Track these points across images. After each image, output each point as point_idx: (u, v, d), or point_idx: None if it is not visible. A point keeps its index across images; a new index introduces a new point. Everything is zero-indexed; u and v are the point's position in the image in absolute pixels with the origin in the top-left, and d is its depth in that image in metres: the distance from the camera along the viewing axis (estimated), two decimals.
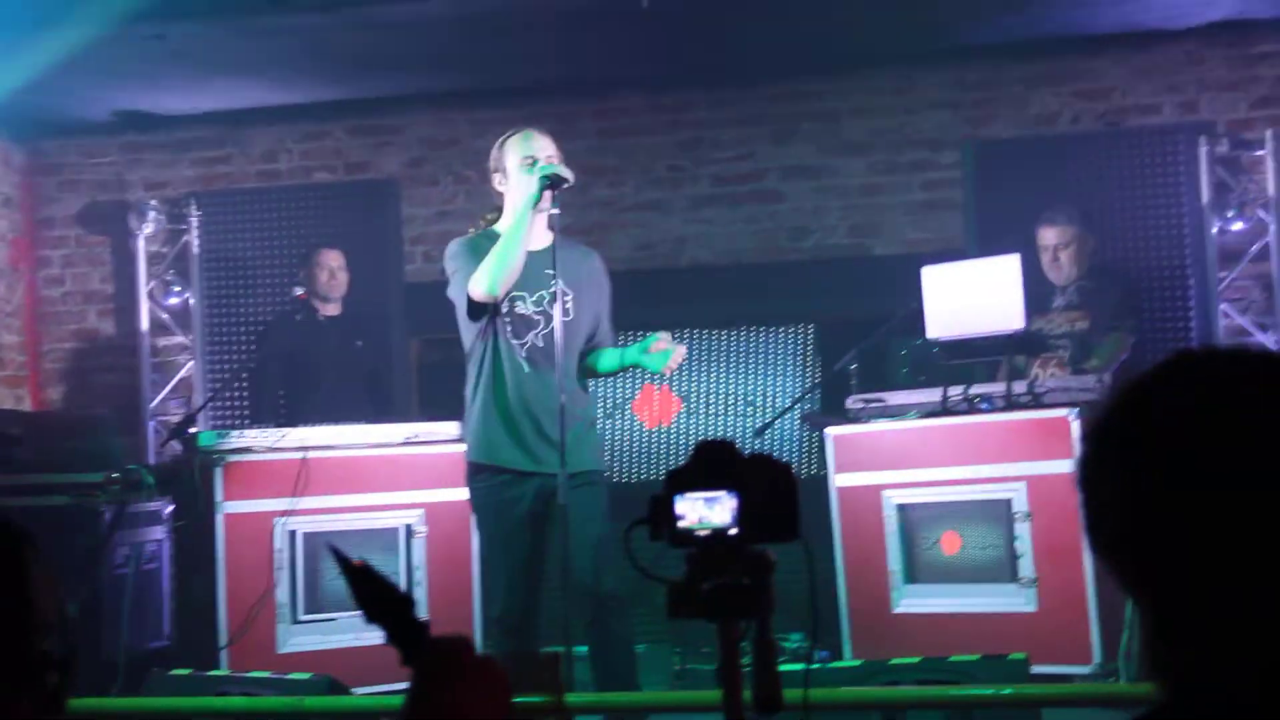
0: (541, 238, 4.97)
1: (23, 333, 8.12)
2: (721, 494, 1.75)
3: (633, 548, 1.85)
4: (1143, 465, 1.25)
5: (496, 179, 4.98)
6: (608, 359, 5.03)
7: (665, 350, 4.78)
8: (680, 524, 1.77)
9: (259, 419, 6.02)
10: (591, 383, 5.23)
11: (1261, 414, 1.24)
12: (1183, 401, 1.26)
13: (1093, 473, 1.31)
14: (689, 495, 1.76)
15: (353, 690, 5.52)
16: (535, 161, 4.89)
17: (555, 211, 4.84)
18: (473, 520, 5.16)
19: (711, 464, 1.77)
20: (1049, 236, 6.36)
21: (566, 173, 4.81)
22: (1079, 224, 6.37)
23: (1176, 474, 1.23)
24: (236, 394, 7.61)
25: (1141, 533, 1.25)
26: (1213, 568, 1.21)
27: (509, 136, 5.01)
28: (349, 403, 6.70)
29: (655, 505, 1.79)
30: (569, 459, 4.78)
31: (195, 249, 7.95)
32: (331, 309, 7.11)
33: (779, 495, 1.76)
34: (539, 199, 4.77)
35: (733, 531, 1.75)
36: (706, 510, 1.76)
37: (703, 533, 1.76)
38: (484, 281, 4.78)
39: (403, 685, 4.77)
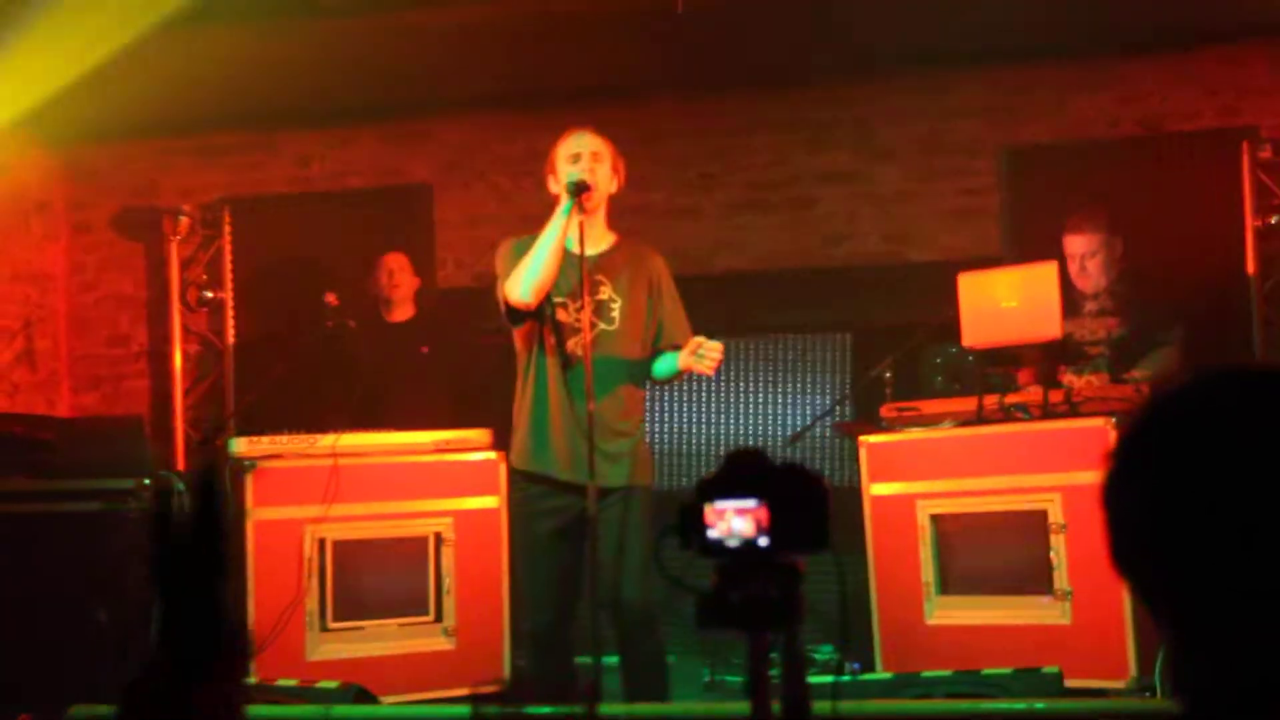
0: (598, 241, 4.93)
1: (56, 338, 8.13)
2: (752, 503, 1.71)
3: (663, 557, 1.81)
4: (1171, 478, 1.26)
5: (550, 180, 4.95)
6: (661, 365, 4.94)
7: (700, 353, 4.70)
8: (710, 533, 1.73)
9: (315, 426, 5.99)
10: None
11: None
12: (1212, 417, 1.27)
13: (1120, 484, 1.32)
14: (718, 504, 1.73)
15: (381, 700, 5.52)
16: (578, 159, 4.87)
17: (581, 218, 4.78)
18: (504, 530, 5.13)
19: (742, 473, 1.74)
20: (1076, 245, 6.26)
21: (591, 178, 4.77)
22: (1106, 230, 6.27)
23: (1202, 488, 1.24)
24: (273, 400, 7.56)
25: (1165, 545, 1.26)
26: (1234, 583, 1.22)
27: (562, 137, 4.98)
28: (415, 407, 6.62)
29: (684, 514, 1.75)
30: (611, 471, 4.74)
31: (228, 255, 7.95)
32: (399, 314, 7.07)
33: (810, 505, 1.72)
34: (569, 207, 4.74)
35: (762, 542, 1.71)
36: (736, 520, 1.72)
37: (732, 543, 1.72)
38: (515, 287, 4.75)
39: (430, 694, 4.76)
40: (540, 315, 4.81)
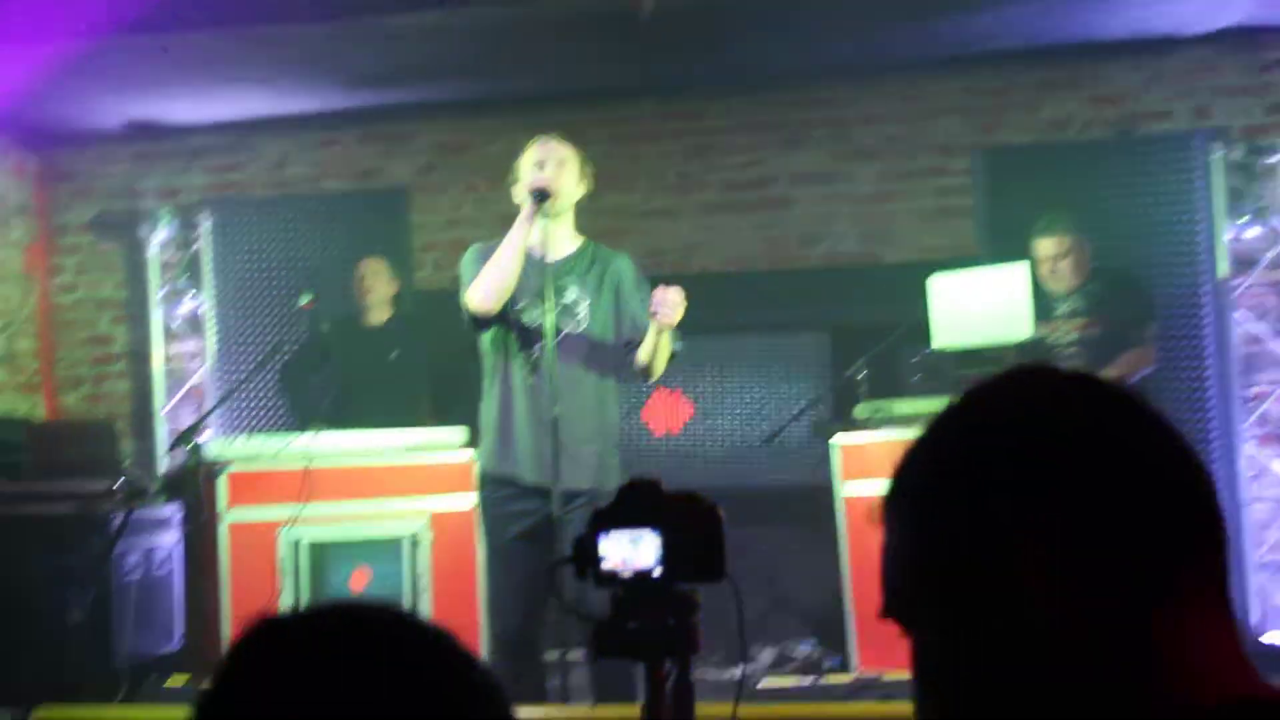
0: (564, 245, 4.93)
1: (37, 339, 8.14)
2: (645, 533, 1.72)
3: (560, 585, 1.83)
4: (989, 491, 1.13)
5: (515, 189, 4.94)
6: (641, 351, 4.88)
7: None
8: (604, 564, 1.74)
9: (292, 428, 6.01)
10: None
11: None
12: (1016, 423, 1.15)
13: (893, 500, 1.20)
14: (613, 534, 1.74)
15: None
16: (542, 165, 4.88)
17: (541, 223, 4.78)
18: (478, 530, 5.14)
19: (636, 502, 1.75)
20: (1047, 247, 6.29)
21: (554, 185, 4.78)
22: (1075, 231, 6.31)
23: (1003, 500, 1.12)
24: (249, 402, 7.59)
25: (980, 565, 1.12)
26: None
27: (529, 144, 4.98)
28: (390, 410, 6.63)
29: (579, 545, 1.76)
30: (578, 474, 4.74)
31: (206, 256, 7.96)
32: (375, 317, 7.10)
33: (705, 535, 1.73)
34: (531, 214, 4.75)
35: (656, 572, 1.72)
36: (630, 550, 1.73)
37: (626, 573, 1.73)
38: (476, 295, 4.77)
39: None
40: (505, 320, 4.82)
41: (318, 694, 1.13)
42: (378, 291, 7.08)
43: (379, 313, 7.11)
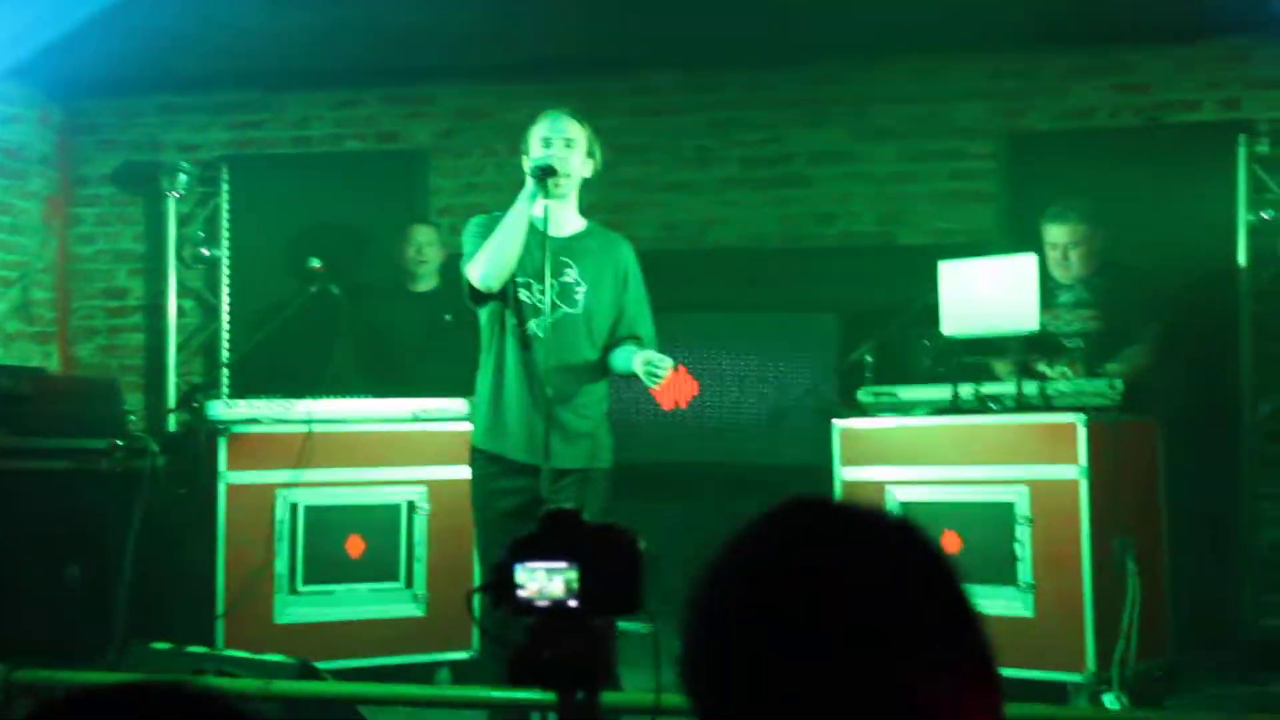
0: (568, 224, 4.91)
1: (54, 289, 8.18)
2: (563, 565, 1.72)
3: (478, 610, 1.83)
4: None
5: (526, 160, 4.91)
6: (617, 359, 4.91)
7: (648, 368, 4.70)
8: (521, 593, 1.74)
9: (328, 391, 6.04)
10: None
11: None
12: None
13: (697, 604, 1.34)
14: (530, 564, 1.73)
15: (353, 661, 5.62)
16: (549, 143, 4.85)
17: (547, 202, 4.74)
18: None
19: (555, 534, 1.74)
20: (1060, 234, 6.21)
21: (557, 163, 4.74)
22: (1089, 222, 6.23)
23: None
24: (258, 362, 7.57)
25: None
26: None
27: (540, 117, 4.95)
28: (440, 375, 6.64)
29: (497, 573, 1.76)
30: (570, 454, 4.75)
31: (224, 213, 7.98)
32: (424, 285, 7.14)
33: (622, 569, 1.73)
34: (535, 191, 4.71)
35: (572, 603, 1.71)
36: (547, 581, 1.73)
37: (542, 603, 1.73)
38: (477, 272, 4.75)
39: (398, 659, 4.87)
40: (503, 295, 4.80)
41: None
42: (432, 261, 7.11)
43: (430, 280, 7.14)
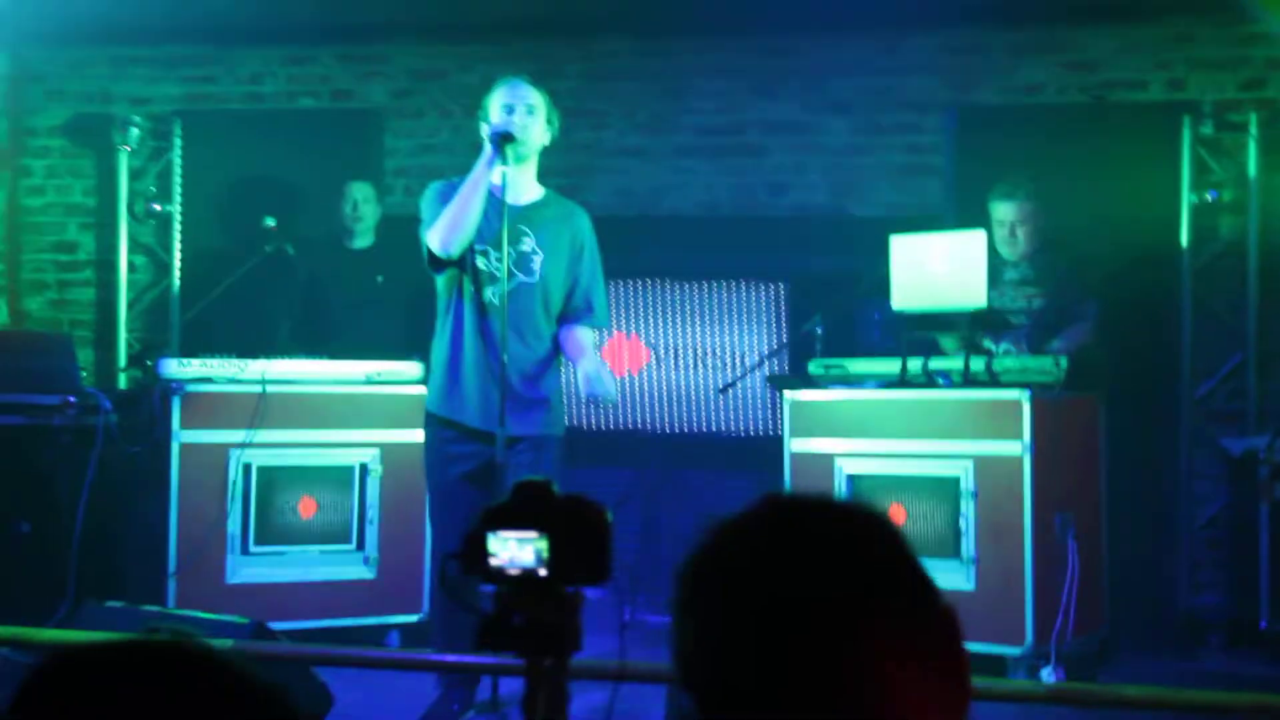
0: (526, 192, 4.96)
1: (4, 241, 8.12)
2: (533, 534, 1.79)
3: (450, 577, 1.89)
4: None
5: (484, 126, 4.93)
6: (570, 351, 4.99)
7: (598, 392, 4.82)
8: (492, 561, 1.81)
9: (261, 350, 6.06)
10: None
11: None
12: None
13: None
14: (502, 533, 1.80)
15: (303, 623, 5.66)
16: (511, 109, 4.88)
17: (506, 169, 4.79)
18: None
19: (526, 504, 1.81)
20: (1008, 211, 6.31)
21: (518, 130, 4.78)
22: (1035, 199, 6.33)
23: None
24: (211, 320, 7.56)
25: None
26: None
27: (499, 83, 4.98)
28: (370, 335, 6.68)
29: (468, 542, 1.83)
30: (523, 421, 4.82)
31: (177, 168, 7.94)
32: (360, 242, 7.16)
33: (590, 539, 1.80)
34: (495, 158, 4.75)
35: (541, 572, 1.79)
36: (518, 549, 1.80)
37: (512, 571, 1.80)
38: (436, 238, 4.78)
39: (349, 621, 4.93)
40: (461, 262, 4.84)
41: None
42: (368, 217, 7.13)
43: (365, 237, 7.15)
